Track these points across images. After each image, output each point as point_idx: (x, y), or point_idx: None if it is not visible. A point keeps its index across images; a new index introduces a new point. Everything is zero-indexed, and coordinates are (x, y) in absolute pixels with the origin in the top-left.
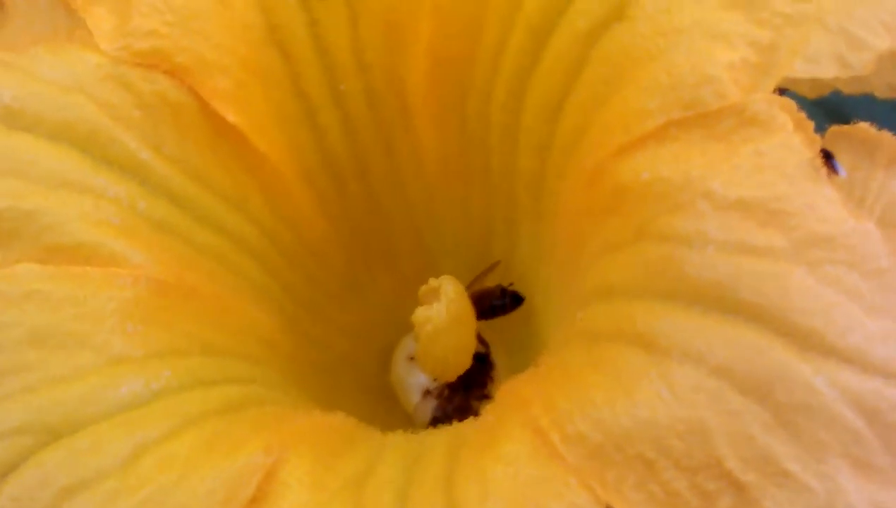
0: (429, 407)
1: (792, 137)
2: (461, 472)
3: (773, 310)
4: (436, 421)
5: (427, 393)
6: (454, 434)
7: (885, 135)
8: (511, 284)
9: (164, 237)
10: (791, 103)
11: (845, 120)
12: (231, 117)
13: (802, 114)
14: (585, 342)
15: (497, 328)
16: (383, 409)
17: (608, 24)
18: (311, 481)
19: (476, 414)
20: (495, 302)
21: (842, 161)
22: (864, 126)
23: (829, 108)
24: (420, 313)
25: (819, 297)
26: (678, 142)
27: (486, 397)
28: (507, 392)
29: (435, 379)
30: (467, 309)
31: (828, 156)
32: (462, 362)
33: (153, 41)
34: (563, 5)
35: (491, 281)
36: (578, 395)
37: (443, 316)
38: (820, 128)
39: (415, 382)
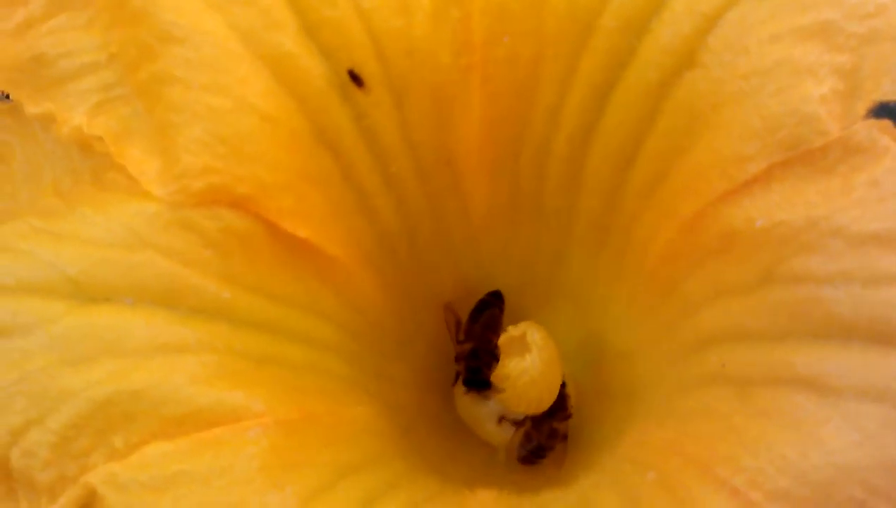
0: (511, 435)
1: None
2: None
3: None
4: (528, 454)
5: (502, 419)
6: (623, 501)
7: None
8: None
9: (265, 370)
10: (887, 123)
11: None
12: (301, 233)
13: None
14: (732, 389)
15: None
16: (462, 445)
17: (679, 73)
18: None
19: (564, 436)
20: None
21: None
22: None
23: None
24: (514, 366)
25: None
26: (785, 183)
27: (569, 416)
28: (656, 445)
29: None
30: (554, 350)
31: None
32: (553, 398)
33: (209, 178)
34: (626, 59)
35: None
36: (764, 451)
37: (538, 367)
38: None
39: (484, 412)
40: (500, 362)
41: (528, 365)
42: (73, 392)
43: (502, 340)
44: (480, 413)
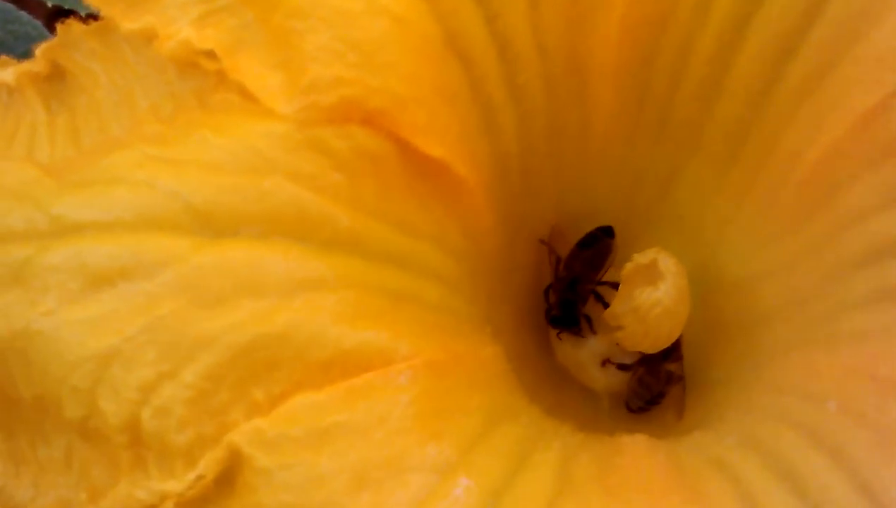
0: (615, 380)
1: None
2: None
3: None
4: (646, 402)
5: (606, 362)
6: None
7: None
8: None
9: (403, 308)
10: None
11: None
12: (435, 152)
13: None
14: None
15: None
16: (563, 392)
17: None
18: None
19: (680, 378)
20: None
21: None
22: None
23: None
24: (646, 297)
25: None
26: None
27: (681, 356)
28: (832, 372)
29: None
30: (685, 278)
31: None
32: (678, 333)
33: (341, 90)
34: None
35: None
36: None
37: (672, 296)
38: None
39: (586, 354)
40: (624, 293)
41: (661, 294)
42: (210, 338)
43: (627, 269)
44: (582, 355)
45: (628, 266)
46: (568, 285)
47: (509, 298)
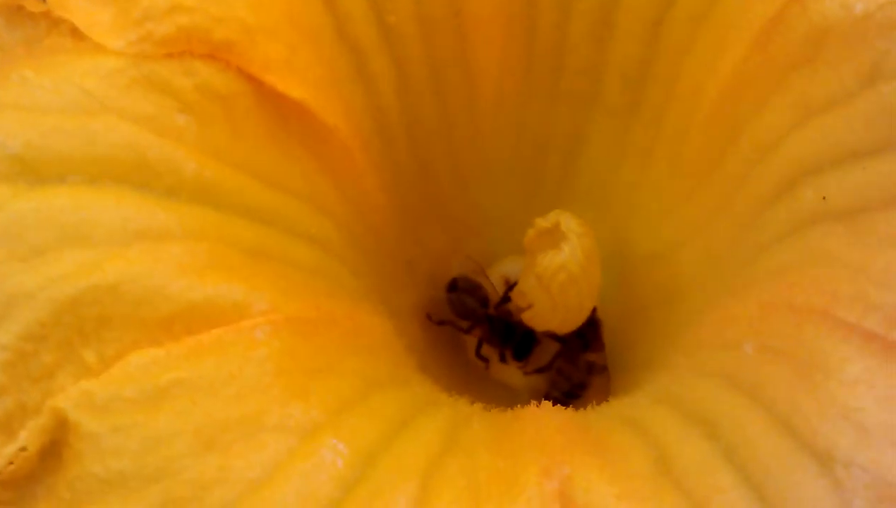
0: (540, 376)
1: None
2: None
3: None
4: (564, 395)
5: None
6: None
7: None
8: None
9: (263, 263)
10: None
11: None
12: (294, 92)
13: None
14: (841, 222)
15: None
16: (478, 390)
17: None
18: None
19: (604, 368)
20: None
21: None
22: None
23: None
24: (549, 262)
25: None
26: None
27: (603, 346)
28: (747, 315)
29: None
30: (593, 239)
31: None
32: (593, 304)
33: (179, 18)
34: None
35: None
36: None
37: (578, 259)
38: None
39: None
40: (528, 264)
41: (566, 257)
42: (28, 293)
43: (529, 236)
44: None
45: (530, 232)
46: (491, 327)
47: (414, 288)
